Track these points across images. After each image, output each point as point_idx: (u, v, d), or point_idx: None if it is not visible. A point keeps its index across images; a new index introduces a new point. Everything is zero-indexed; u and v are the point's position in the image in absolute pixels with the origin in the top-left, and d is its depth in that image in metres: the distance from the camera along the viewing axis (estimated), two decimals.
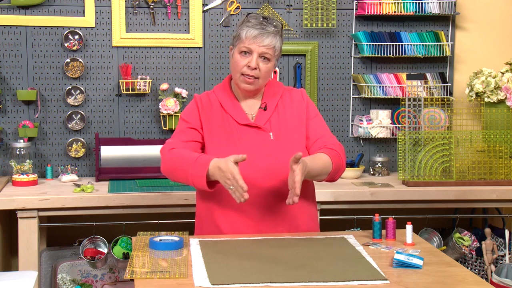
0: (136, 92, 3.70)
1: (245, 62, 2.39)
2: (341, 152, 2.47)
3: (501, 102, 3.73)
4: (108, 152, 3.60)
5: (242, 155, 2.18)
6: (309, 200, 2.51)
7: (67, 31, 3.65)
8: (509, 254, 3.57)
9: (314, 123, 2.51)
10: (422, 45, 3.85)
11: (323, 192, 3.33)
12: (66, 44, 3.65)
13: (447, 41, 3.91)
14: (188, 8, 3.74)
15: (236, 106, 2.48)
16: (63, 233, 3.67)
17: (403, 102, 3.77)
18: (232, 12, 3.78)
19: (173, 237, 2.28)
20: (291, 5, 3.83)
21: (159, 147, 3.64)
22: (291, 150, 2.39)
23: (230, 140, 2.42)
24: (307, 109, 2.51)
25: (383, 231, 2.41)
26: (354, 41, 3.89)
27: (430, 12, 3.81)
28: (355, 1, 3.85)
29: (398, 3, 3.79)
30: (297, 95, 2.53)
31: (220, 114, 2.47)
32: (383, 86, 3.85)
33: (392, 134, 3.89)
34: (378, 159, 3.85)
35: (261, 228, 2.40)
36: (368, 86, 3.84)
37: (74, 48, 3.66)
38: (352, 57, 3.91)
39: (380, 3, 3.77)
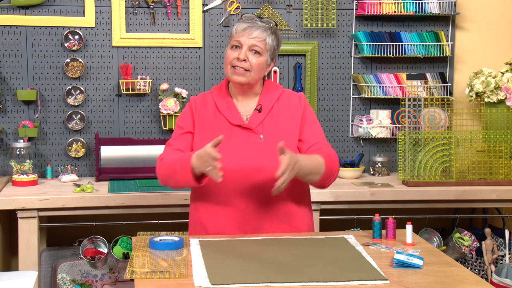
0: (136, 92, 3.70)
1: (235, 54, 2.40)
2: (335, 159, 2.44)
3: (501, 102, 3.73)
4: (108, 152, 3.61)
5: (218, 137, 2.19)
6: (301, 204, 2.50)
7: (67, 31, 3.65)
8: (509, 254, 3.57)
9: (310, 129, 2.48)
10: (422, 45, 3.85)
11: (323, 192, 3.32)
12: (66, 44, 3.65)
13: (447, 41, 3.91)
14: (188, 8, 3.74)
15: (231, 106, 2.48)
16: (63, 233, 3.67)
17: (403, 102, 3.77)
18: (232, 12, 3.78)
19: (173, 237, 2.29)
20: (291, 5, 3.83)
21: (159, 147, 3.64)
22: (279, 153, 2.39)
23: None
24: (304, 114, 2.49)
25: (383, 231, 2.42)
26: (354, 41, 3.89)
27: (430, 12, 3.81)
28: (355, 1, 3.85)
29: (398, 3, 3.79)
30: (295, 99, 2.52)
31: (213, 114, 2.48)
32: (383, 86, 3.85)
33: (392, 134, 3.89)
34: (378, 159, 3.85)
35: (246, 229, 2.41)
36: (368, 86, 3.84)
37: (74, 48, 3.66)
38: (352, 57, 3.91)
39: (380, 3, 3.77)
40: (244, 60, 2.39)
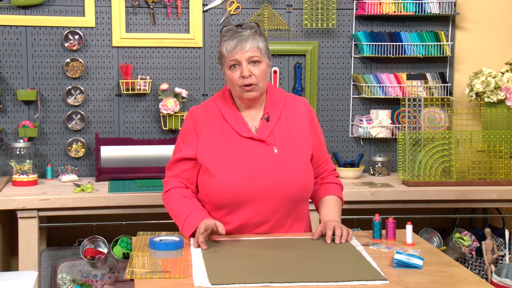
0: (136, 92, 3.70)
1: (238, 74, 2.36)
2: (340, 183, 2.63)
3: (501, 102, 3.73)
4: (108, 152, 3.60)
5: (222, 231, 2.25)
6: (306, 217, 2.53)
7: (67, 31, 3.65)
8: (509, 254, 3.57)
9: (319, 144, 2.52)
10: (422, 45, 3.85)
11: None
12: (66, 44, 3.65)
13: (447, 41, 3.91)
14: (188, 8, 3.74)
15: (238, 117, 2.43)
16: (63, 233, 3.67)
17: (403, 102, 3.77)
18: (232, 12, 3.78)
19: (173, 237, 2.29)
20: (291, 5, 3.83)
21: (159, 147, 3.65)
22: (295, 166, 2.39)
23: (232, 154, 2.38)
24: (312, 124, 2.50)
25: (383, 231, 2.42)
26: (354, 41, 3.89)
27: (430, 12, 3.81)
28: (355, 1, 3.85)
29: (398, 3, 3.79)
30: (300, 105, 2.50)
31: (220, 125, 2.43)
32: (383, 86, 3.85)
33: (392, 134, 3.89)
34: (378, 159, 3.85)
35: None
36: (368, 86, 3.84)
37: (74, 48, 3.66)
38: (352, 57, 3.91)
39: (380, 3, 3.77)
40: (250, 75, 2.35)
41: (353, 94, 3.94)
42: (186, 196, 2.42)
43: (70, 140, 3.72)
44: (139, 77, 3.71)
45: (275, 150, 2.39)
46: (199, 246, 2.22)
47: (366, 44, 3.81)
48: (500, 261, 3.63)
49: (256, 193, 2.33)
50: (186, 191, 2.44)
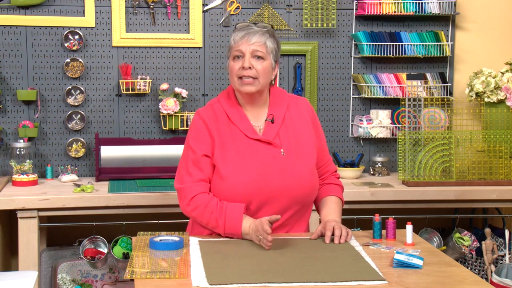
0: (136, 92, 3.70)
1: (239, 65, 2.35)
2: (341, 184, 2.65)
3: (501, 102, 3.73)
4: (108, 152, 3.60)
5: (276, 216, 2.24)
6: (307, 217, 2.54)
7: (67, 31, 3.65)
8: (509, 254, 3.57)
9: (321, 145, 2.53)
10: (422, 45, 3.85)
11: None
12: (66, 44, 3.65)
13: (447, 41, 3.91)
14: (188, 8, 3.74)
15: (243, 118, 2.42)
16: (63, 233, 3.67)
17: (403, 102, 3.77)
18: (232, 12, 3.78)
19: (173, 237, 2.29)
20: (291, 5, 3.83)
21: (159, 147, 3.65)
22: (302, 167, 2.40)
23: (241, 155, 2.37)
24: (315, 126, 2.51)
25: (383, 231, 2.42)
26: (354, 41, 3.89)
27: (430, 12, 3.81)
28: (355, 1, 3.85)
29: (398, 3, 3.79)
30: (303, 106, 2.50)
31: (227, 126, 2.41)
32: (383, 86, 3.85)
33: (392, 134, 3.89)
34: (378, 159, 3.85)
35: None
36: (368, 86, 3.84)
37: (74, 48, 3.66)
38: (352, 57, 3.91)
39: (380, 3, 3.77)
40: (250, 67, 2.34)
41: (353, 94, 3.94)
42: (216, 198, 2.38)
43: (70, 140, 3.72)
44: (139, 77, 3.71)
45: (282, 152, 2.40)
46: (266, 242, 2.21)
47: (366, 44, 3.81)
48: (500, 261, 3.63)
49: (265, 195, 2.34)
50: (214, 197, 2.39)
